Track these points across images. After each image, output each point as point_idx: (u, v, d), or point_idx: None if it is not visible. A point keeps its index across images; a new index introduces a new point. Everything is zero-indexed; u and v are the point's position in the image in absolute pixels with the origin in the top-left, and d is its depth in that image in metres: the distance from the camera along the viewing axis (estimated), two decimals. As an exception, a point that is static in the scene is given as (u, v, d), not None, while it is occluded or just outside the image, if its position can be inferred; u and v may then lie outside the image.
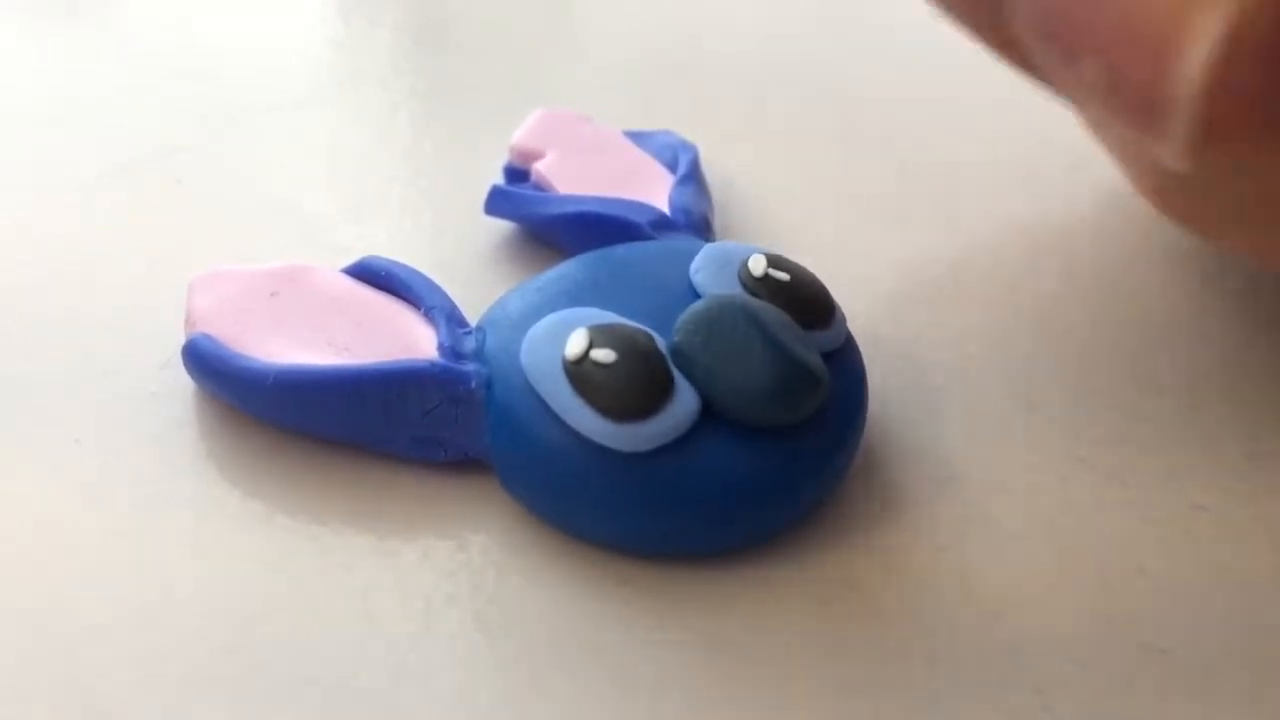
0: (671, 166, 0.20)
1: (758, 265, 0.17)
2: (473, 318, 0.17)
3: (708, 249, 0.17)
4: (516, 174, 0.20)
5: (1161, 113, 0.12)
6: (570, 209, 0.19)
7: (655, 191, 0.20)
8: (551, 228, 0.19)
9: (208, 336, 0.17)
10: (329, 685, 0.14)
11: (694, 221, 0.19)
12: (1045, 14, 0.13)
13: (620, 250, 0.17)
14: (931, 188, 0.22)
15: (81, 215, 0.20)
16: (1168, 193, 0.16)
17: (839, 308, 0.17)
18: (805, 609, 0.15)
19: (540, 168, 0.20)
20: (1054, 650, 0.15)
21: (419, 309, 0.17)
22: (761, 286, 0.16)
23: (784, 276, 0.17)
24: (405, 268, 0.17)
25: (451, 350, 0.16)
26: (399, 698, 0.14)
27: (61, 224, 0.20)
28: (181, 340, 0.17)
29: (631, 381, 0.15)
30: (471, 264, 0.20)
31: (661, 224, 0.19)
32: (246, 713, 0.14)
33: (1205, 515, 0.17)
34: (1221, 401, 0.18)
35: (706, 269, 0.17)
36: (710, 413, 0.15)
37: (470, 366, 0.16)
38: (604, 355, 0.15)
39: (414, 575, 0.15)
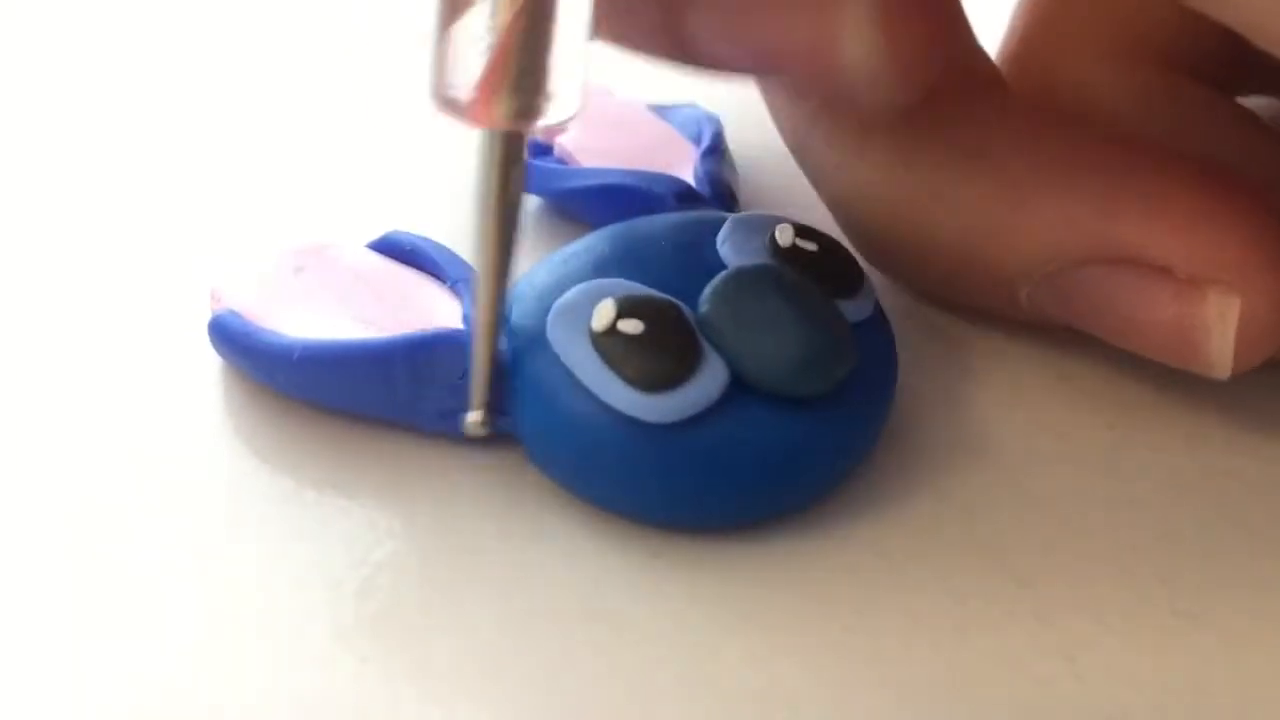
0: (696, 140, 0.20)
1: (785, 235, 0.16)
2: (498, 291, 0.17)
3: (734, 220, 0.17)
4: (539, 147, 0.20)
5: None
6: (594, 181, 0.19)
7: (679, 164, 0.20)
8: (576, 201, 0.19)
9: (233, 313, 0.17)
10: (354, 657, 0.14)
11: (719, 193, 0.19)
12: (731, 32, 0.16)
13: (645, 222, 0.17)
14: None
15: (105, 193, 0.21)
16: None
17: (867, 277, 0.17)
18: (836, 578, 0.15)
19: (563, 141, 0.20)
20: (1085, 616, 0.15)
21: (444, 282, 0.17)
22: (789, 256, 0.16)
23: (811, 246, 0.16)
24: (430, 242, 0.17)
25: (477, 323, 0.16)
26: (427, 671, 0.14)
27: (84, 202, 0.20)
28: (207, 317, 0.17)
29: (660, 352, 0.15)
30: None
31: (686, 196, 0.19)
32: (275, 681, 0.14)
33: (1236, 479, 0.17)
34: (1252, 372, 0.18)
35: (733, 239, 0.16)
36: (739, 383, 0.15)
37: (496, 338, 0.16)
38: (631, 326, 0.15)
39: (441, 550, 0.15)
